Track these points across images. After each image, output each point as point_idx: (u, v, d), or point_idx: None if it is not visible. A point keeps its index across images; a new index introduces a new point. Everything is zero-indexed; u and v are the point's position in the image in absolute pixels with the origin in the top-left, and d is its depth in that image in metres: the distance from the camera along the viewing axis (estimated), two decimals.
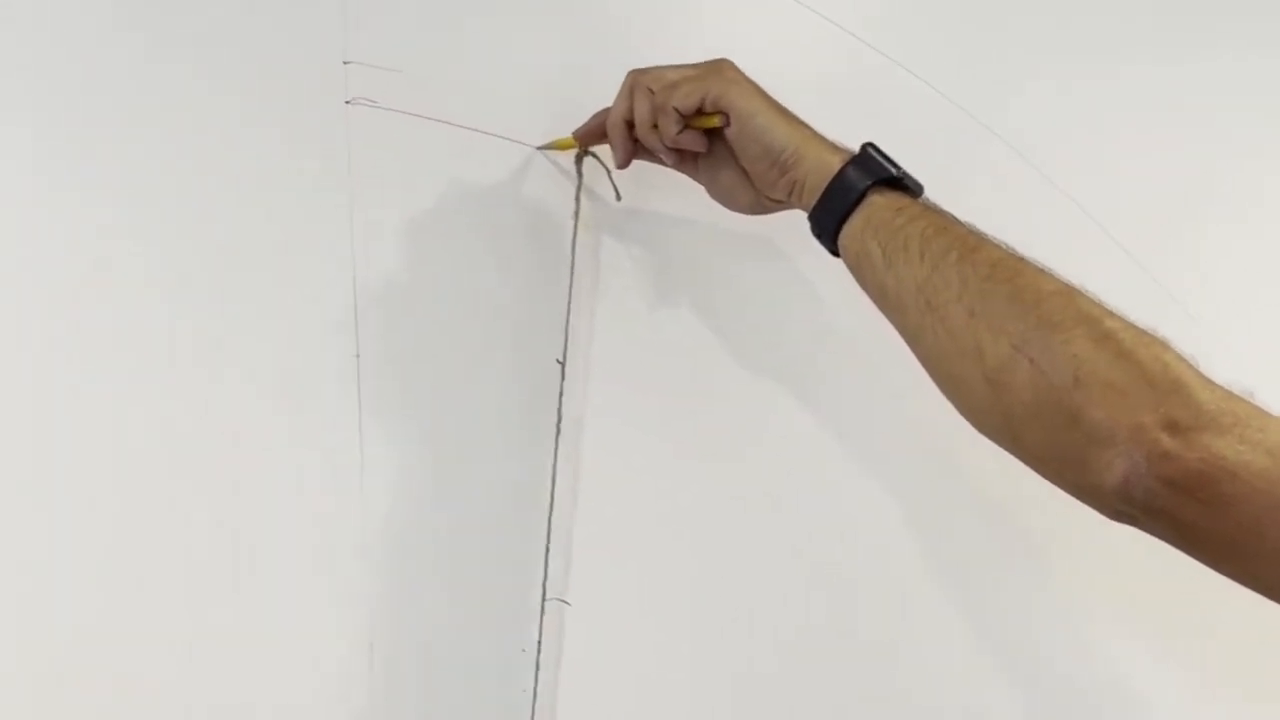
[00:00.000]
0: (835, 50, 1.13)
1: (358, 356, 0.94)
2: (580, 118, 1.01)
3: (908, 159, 0.91)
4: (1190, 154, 1.24)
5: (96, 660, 0.85)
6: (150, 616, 0.86)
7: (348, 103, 0.96)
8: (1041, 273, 0.82)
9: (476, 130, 1.00)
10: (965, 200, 0.89)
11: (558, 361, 1.01)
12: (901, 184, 0.89)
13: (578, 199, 1.03)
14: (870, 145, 0.90)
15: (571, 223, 1.03)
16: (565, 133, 1.02)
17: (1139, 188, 1.21)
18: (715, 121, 0.95)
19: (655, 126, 0.96)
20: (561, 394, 1.00)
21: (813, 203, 0.91)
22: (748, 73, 0.96)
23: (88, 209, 0.88)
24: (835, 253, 0.91)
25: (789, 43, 1.11)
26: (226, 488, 0.89)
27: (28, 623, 0.83)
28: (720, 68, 0.95)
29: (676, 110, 0.95)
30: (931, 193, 0.91)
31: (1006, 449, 0.82)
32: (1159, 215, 1.21)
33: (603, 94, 0.99)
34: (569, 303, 1.01)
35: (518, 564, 0.99)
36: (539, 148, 1.03)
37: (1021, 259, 0.83)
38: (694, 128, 0.96)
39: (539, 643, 0.97)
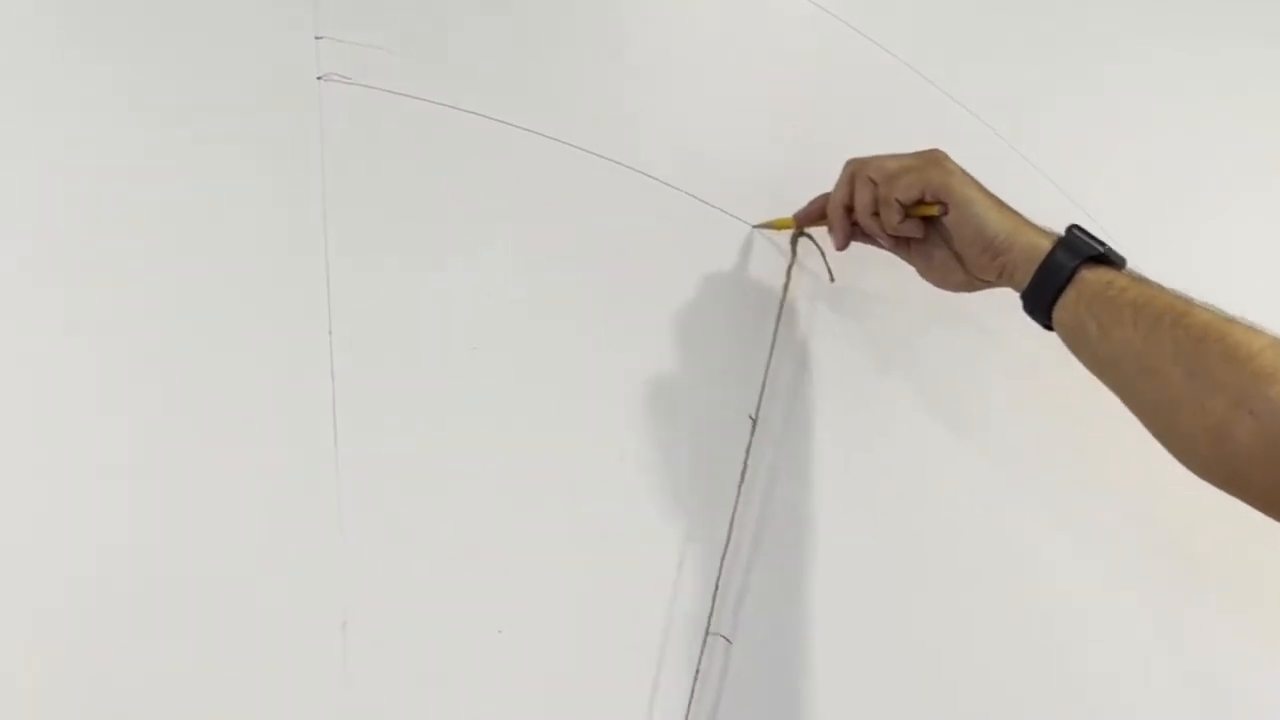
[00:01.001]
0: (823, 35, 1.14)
1: (330, 332, 0.92)
2: (570, 94, 1.03)
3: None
4: (1189, 147, 1.23)
5: (72, 646, 0.84)
6: (148, 614, 0.86)
7: (319, 78, 0.94)
8: (1250, 329, 0.86)
9: (462, 109, 0.99)
10: None
11: (750, 417, 1.05)
12: (1107, 259, 0.95)
13: (788, 273, 1.09)
14: (1075, 227, 0.96)
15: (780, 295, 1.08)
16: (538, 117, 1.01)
17: (1131, 181, 1.20)
18: (934, 210, 1.00)
19: (876, 214, 1.03)
20: (749, 446, 1.04)
21: (1025, 283, 0.96)
22: (747, 64, 1.03)
23: (52, 192, 0.86)
24: (1049, 327, 0.96)
25: (780, 27, 1.13)
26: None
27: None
28: (938, 159, 1.01)
29: (898, 201, 1.01)
30: None
31: (1232, 494, 0.85)
32: (1152, 212, 1.20)
33: (596, 83, 1.04)
34: (768, 364, 1.06)
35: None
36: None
37: (1230, 319, 0.87)
38: (914, 216, 1.01)
39: (696, 673, 0.98)
